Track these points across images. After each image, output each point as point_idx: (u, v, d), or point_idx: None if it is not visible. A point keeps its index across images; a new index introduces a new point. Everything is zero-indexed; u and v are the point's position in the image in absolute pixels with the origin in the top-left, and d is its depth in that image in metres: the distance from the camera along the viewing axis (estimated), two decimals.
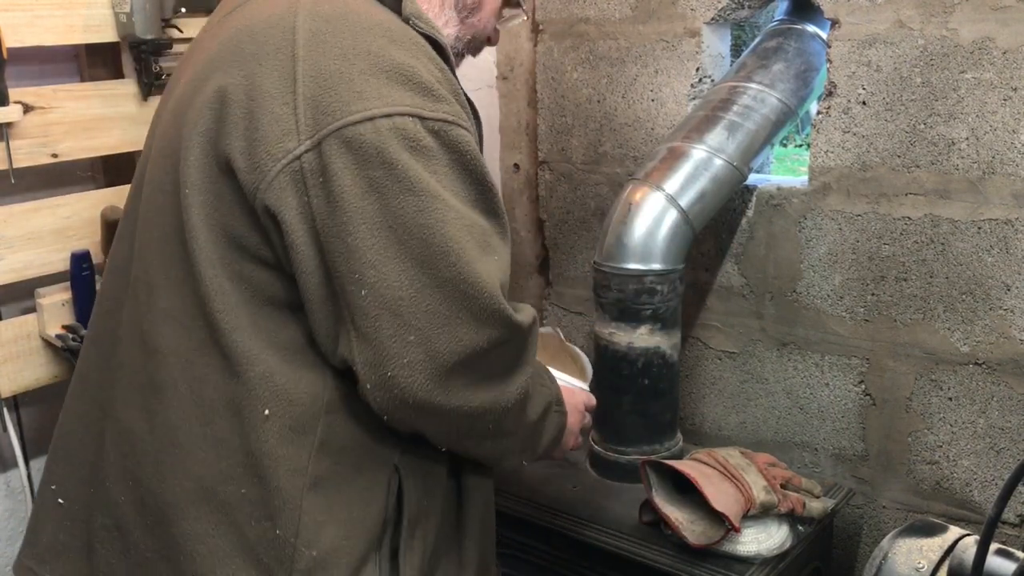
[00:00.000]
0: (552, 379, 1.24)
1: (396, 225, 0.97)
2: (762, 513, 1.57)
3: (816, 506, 1.63)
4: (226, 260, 1.04)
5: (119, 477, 1.11)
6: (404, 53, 1.02)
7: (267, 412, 1.04)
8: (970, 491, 1.74)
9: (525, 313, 1.07)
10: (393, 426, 1.07)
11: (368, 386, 1.01)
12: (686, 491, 1.58)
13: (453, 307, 0.99)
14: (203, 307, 1.04)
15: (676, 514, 1.55)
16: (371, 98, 0.98)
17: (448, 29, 1.20)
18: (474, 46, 1.26)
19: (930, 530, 1.37)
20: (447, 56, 1.08)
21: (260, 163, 0.99)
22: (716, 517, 1.52)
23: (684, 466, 1.58)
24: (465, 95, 1.10)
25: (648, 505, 1.60)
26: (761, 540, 1.54)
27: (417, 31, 1.06)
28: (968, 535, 1.34)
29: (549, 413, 1.20)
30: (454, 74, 1.09)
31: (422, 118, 0.99)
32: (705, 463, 1.62)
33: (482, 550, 1.23)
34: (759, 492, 1.56)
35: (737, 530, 1.50)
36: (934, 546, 1.33)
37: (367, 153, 0.96)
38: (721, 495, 1.52)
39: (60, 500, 1.17)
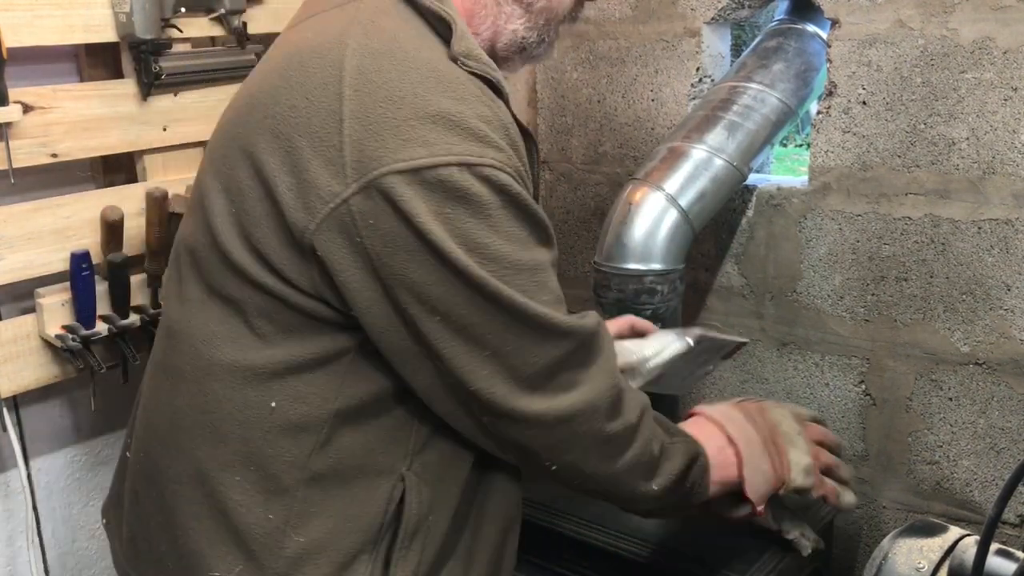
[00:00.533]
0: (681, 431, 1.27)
1: (451, 272, 1.00)
2: (792, 494, 1.43)
3: (847, 499, 1.49)
4: (250, 273, 1.05)
5: (137, 448, 1.19)
6: (451, 96, 1.00)
7: (274, 404, 1.06)
8: (970, 491, 1.74)
9: (590, 318, 1.11)
10: (505, 453, 1.13)
11: (461, 413, 1.08)
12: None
13: (517, 333, 1.03)
14: (222, 297, 1.08)
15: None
16: (417, 146, 0.97)
17: (512, 25, 1.16)
18: (551, 29, 1.20)
19: (930, 530, 1.37)
20: (500, 92, 1.07)
21: (310, 204, 0.99)
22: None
23: (733, 426, 1.39)
24: (518, 123, 1.09)
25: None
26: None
27: (467, 70, 1.04)
28: (968, 535, 1.34)
29: (675, 449, 1.22)
30: (507, 106, 1.08)
31: (470, 165, 0.98)
32: (755, 421, 1.42)
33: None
34: (797, 474, 1.41)
35: (760, 514, 1.39)
36: (934, 546, 1.33)
37: (413, 204, 0.97)
38: (756, 476, 1.36)
39: (125, 453, 1.26)
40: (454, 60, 1.04)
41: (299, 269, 1.03)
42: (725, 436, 1.32)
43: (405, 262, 0.99)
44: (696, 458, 1.25)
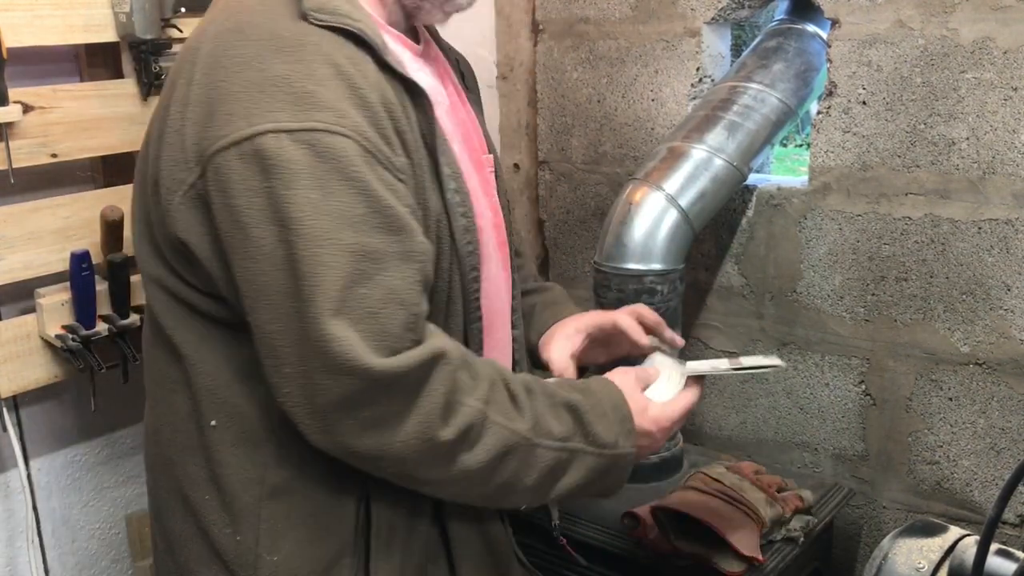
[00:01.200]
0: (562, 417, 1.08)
1: (259, 257, 0.92)
2: (773, 527, 1.58)
3: (807, 495, 1.67)
4: (161, 278, 1.05)
5: (144, 465, 1.20)
6: (285, 59, 0.94)
7: (214, 423, 1.04)
8: (970, 491, 1.74)
9: (414, 354, 0.93)
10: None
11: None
12: (687, 520, 1.55)
13: (308, 354, 0.91)
14: (154, 320, 1.08)
15: (702, 550, 1.52)
16: (239, 119, 0.92)
17: None
18: None
19: (930, 530, 1.37)
20: (366, 43, 0.98)
21: (163, 194, 0.99)
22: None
23: (697, 510, 1.54)
24: (405, 79, 1.01)
25: (656, 542, 1.57)
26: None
27: (319, 25, 0.96)
28: (968, 535, 1.34)
29: (530, 458, 1.05)
30: (382, 56, 0.99)
31: (289, 131, 0.91)
32: (705, 491, 1.60)
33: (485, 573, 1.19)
34: (764, 509, 1.58)
35: (762, 561, 1.50)
36: (934, 546, 1.33)
37: (231, 181, 0.92)
38: (740, 533, 1.51)
39: None
40: (304, 17, 0.97)
41: (185, 266, 1.01)
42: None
43: (228, 242, 0.94)
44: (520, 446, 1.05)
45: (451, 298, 1.09)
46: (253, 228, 0.91)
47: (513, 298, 1.29)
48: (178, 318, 1.05)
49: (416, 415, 0.95)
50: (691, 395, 1.21)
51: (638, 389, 1.18)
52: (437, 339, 0.98)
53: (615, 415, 1.12)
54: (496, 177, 1.27)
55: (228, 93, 0.94)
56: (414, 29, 1.17)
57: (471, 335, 1.14)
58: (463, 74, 1.29)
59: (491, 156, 1.26)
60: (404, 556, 1.10)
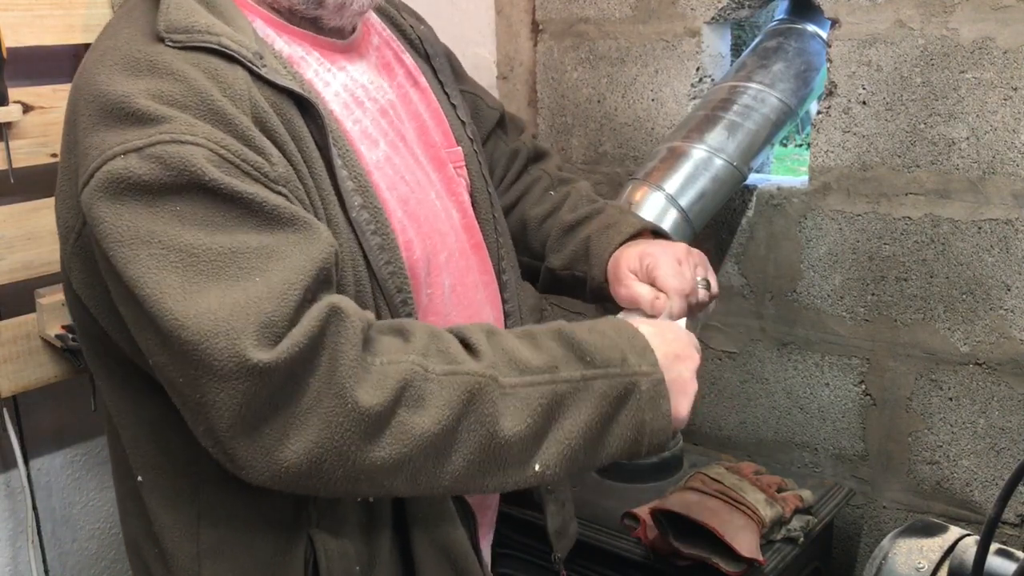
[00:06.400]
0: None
1: (129, 284, 0.83)
2: (773, 527, 1.59)
3: (807, 495, 1.68)
4: (83, 323, 1.00)
5: None
6: (135, 81, 0.88)
7: (140, 479, 0.99)
8: (970, 491, 1.74)
9: (289, 339, 0.81)
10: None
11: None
12: (686, 521, 1.56)
13: (196, 372, 0.81)
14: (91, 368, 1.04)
15: (702, 551, 1.52)
16: (93, 150, 0.86)
17: None
18: None
19: (930, 530, 1.37)
20: (231, 56, 0.91)
21: (60, 243, 0.95)
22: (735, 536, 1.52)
23: (696, 511, 1.54)
24: (285, 88, 0.93)
25: (656, 543, 1.57)
26: None
27: (177, 47, 0.90)
28: (968, 535, 1.34)
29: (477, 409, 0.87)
30: (254, 66, 0.92)
31: (136, 149, 0.84)
32: (704, 492, 1.60)
33: None
34: (764, 509, 1.58)
35: (763, 563, 1.50)
36: (934, 546, 1.33)
37: (97, 218, 0.85)
38: (740, 534, 1.51)
39: None
40: (161, 40, 0.90)
41: (84, 315, 0.97)
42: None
43: (108, 279, 0.89)
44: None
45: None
46: (114, 256, 0.84)
47: (505, 301, 1.18)
48: (98, 365, 1.00)
49: (328, 390, 0.83)
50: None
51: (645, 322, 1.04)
52: (334, 297, 0.86)
53: (618, 334, 0.96)
54: (471, 170, 1.16)
55: (85, 128, 0.88)
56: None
57: None
58: (420, 46, 1.19)
59: (459, 149, 1.15)
60: (357, 554, 1.00)
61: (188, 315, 0.80)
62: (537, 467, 0.89)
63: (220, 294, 0.81)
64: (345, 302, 0.87)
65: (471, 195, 1.17)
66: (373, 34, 1.13)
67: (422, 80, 1.16)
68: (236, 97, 0.89)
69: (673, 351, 0.97)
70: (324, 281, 0.87)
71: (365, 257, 0.97)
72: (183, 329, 0.80)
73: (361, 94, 1.05)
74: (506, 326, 1.17)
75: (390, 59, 1.13)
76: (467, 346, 0.90)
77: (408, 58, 1.16)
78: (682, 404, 0.96)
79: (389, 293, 0.98)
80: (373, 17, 1.15)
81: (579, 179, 1.38)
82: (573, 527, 1.31)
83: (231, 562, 0.97)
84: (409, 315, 0.99)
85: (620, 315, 1.12)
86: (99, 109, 0.87)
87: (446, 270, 1.08)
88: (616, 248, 1.20)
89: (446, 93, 1.18)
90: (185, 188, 0.84)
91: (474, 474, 0.88)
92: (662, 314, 1.08)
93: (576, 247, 1.24)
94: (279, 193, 0.88)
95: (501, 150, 1.36)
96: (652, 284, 1.11)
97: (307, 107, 0.94)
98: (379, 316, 0.97)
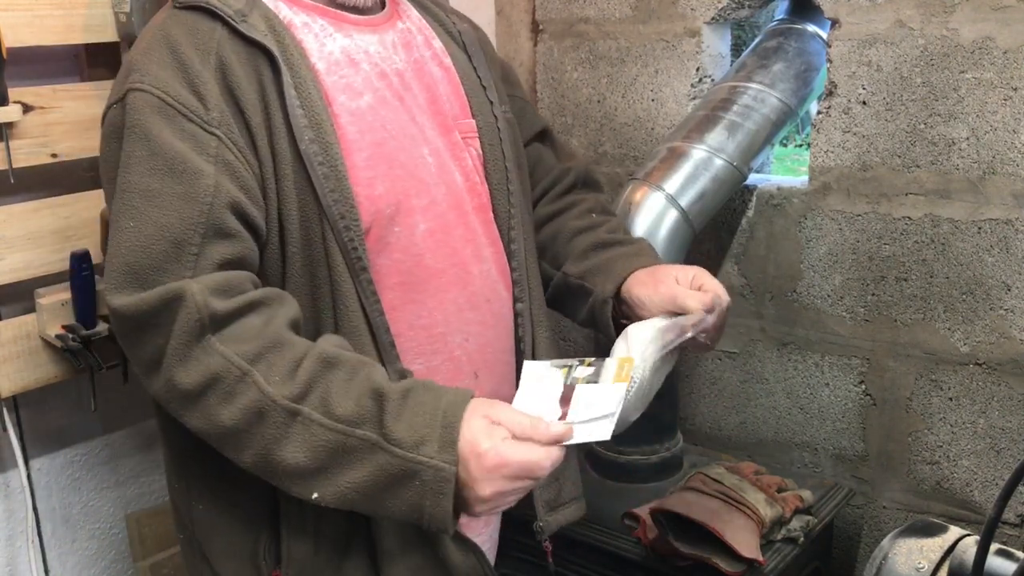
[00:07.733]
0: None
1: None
2: (773, 527, 1.58)
3: (807, 495, 1.67)
4: None
5: None
6: (138, 45, 1.09)
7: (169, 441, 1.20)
8: (970, 491, 1.74)
9: (139, 296, 0.98)
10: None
11: None
12: (686, 521, 1.55)
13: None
14: None
15: (702, 551, 1.52)
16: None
17: None
18: None
19: (930, 530, 1.37)
20: (216, 13, 1.08)
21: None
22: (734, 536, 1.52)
23: (696, 512, 1.54)
24: (254, 40, 1.08)
25: (656, 543, 1.57)
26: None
27: (180, 7, 1.09)
28: (968, 535, 1.33)
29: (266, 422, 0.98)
30: (236, 23, 1.08)
31: (119, 100, 1.06)
32: (704, 492, 1.60)
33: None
34: (764, 509, 1.58)
35: (763, 563, 1.50)
36: (934, 546, 1.33)
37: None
38: (740, 534, 1.51)
39: None
40: (174, 5, 1.11)
41: None
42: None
43: None
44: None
45: (317, 255, 1.08)
46: (108, 188, 1.07)
47: (513, 270, 1.24)
48: None
49: (165, 356, 0.98)
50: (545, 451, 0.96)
51: (508, 409, 0.99)
52: (187, 284, 0.98)
53: (432, 418, 0.96)
54: (484, 142, 1.25)
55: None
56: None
57: (368, 306, 1.08)
58: (459, 38, 1.31)
59: (471, 121, 1.25)
60: (318, 532, 1.10)
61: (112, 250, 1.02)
62: (315, 495, 0.99)
63: (116, 232, 1.01)
64: (195, 289, 0.97)
65: (484, 164, 1.26)
66: (404, 20, 1.26)
67: (447, 60, 1.27)
68: (204, 49, 1.06)
69: (486, 452, 0.93)
70: (214, 234, 1.01)
71: (311, 185, 1.07)
72: (107, 260, 1.03)
73: (361, 57, 1.16)
74: (514, 294, 1.25)
75: (416, 41, 1.25)
76: (295, 367, 0.99)
77: (438, 43, 1.28)
78: (473, 502, 0.96)
79: (332, 218, 1.08)
80: (412, 12, 1.29)
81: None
82: (573, 508, 1.35)
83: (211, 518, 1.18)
84: (351, 239, 1.08)
85: (641, 322, 1.17)
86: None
87: (422, 214, 1.16)
88: (636, 269, 1.27)
89: (478, 77, 1.29)
90: (131, 129, 1.03)
91: (263, 472, 1.00)
92: (700, 310, 1.17)
93: (598, 262, 1.30)
94: (212, 134, 1.03)
95: (547, 162, 1.45)
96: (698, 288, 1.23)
97: (272, 57, 1.08)
98: (323, 238, 1.08)
